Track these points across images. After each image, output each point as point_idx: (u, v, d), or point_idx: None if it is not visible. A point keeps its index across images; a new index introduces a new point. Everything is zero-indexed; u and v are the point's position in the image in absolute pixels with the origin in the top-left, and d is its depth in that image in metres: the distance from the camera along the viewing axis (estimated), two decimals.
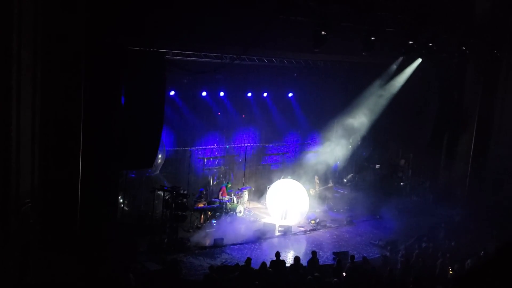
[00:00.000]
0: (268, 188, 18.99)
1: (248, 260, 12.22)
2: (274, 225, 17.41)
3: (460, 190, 20.08)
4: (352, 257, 13.16)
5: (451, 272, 12.88)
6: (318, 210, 19.43)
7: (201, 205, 17.33)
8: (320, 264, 13.25)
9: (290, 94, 21.28)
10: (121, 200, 15.80)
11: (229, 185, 18.83)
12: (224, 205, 17.76)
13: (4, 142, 8.57)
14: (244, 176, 20.29)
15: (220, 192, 18.31)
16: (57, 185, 10.11)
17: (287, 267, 12.62)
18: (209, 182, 19.10)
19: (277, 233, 17.07)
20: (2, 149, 8.56)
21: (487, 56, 18.75)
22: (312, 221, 18.37)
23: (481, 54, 18.78)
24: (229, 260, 14.34)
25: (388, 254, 15.02)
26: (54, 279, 9.72)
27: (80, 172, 10.52)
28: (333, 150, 20.86)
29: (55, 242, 10.03)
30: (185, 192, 16.31)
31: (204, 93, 18.70)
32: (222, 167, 20.03)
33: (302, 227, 18.00)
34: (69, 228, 10.37)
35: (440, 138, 20.58)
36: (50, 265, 9.83)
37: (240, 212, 18.15)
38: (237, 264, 12.62)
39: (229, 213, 17.73)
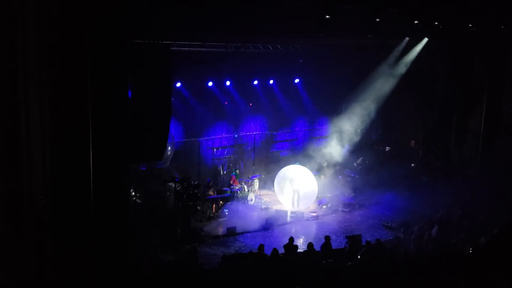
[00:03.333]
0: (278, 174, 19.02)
1: (261, 246, 12.29)
2: (286, 211, 17.47)
3: (471, 169, 19.96)
4: (367, 241, 13.17)
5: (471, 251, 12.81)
6: (330, 194, 19.43)
7: (210, 194, 17.43)
8: (334, 248, 13.29)
9: (297, 80, 21.18)
10: (133, 193, 15.90)
11: (237, 171, 18.89)
12: (235, 194, 17.83)
13: (14, 140, 8.64)
14: (253, 164, 20.31)
15: (231, 181, 18.39)
16: (69, 181, 10.17)
17: (301, 253, 12.66)
18: (219, 172, 19.16)
19: (289, 220, 17.12)
20: (13, 147, 8.63)
21: (494, 32, 18.49)
22: (324, 206, 18.42)
23: (488, 30, 18.52)
24: (242, 248, 14.44)
25: (401, 235, 15.00)
26: (69, 275, 9.83)
27: (91, 167, 10.58)
28: (342, 134, 20.79)
29: (69, 238, 10.12)
30: (196, 183, 16.40)
31: (210, 83, 18.68)
32: (231, 156, 20.06)
33: (314, 212, 18.03)
34: (82, 223, 10.45)
35: (450, 117, 20.44)
36: (65, 260, 9.93)
37: (251, 200, 18.20)
38: (251, 251, 12.68)
39: (241, 201, 17.79)
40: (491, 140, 19.87)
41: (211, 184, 17.94)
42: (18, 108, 8.59)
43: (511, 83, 19.77)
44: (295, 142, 22.27)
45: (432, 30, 16.73)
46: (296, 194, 18.23)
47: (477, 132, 20.05)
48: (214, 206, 17.34)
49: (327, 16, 13.80)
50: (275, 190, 18.87)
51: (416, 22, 15.87)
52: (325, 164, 20.48)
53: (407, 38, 18.93)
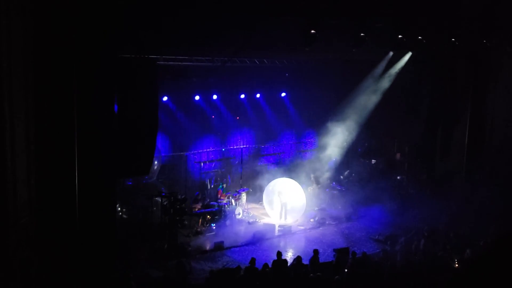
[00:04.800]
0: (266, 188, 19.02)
1: (253, 260, 12.26)
2: (274, 225, 17.44)
3: (456, 181, 20.15)
4: (354, 253, 13.19)
5: (457, 265, 12.87)
6: (317, 208, 19.46)
7: (197, 208, 17.36)
8: (321, 261, 13.28)
9: (283, 94, 21.31)
10: (119, 208, 15.75)
11: (224, 185, 18.84)
12: (222, 208, 17.76)
13: None
14: (241, 178, 20.30)
15: (218, 195, 18.35)
16: (54, 197, 10.07)
17: (289, 266, 12.63)
18: (207, 186, 19.10)
19: (277, 233, 17.09)
20: None
21: (477, 46, 18.82)
22: (311, 220, 18.42)
23: (471, 44, 18.84)
24: (230, 263, 14.35)
25: (388, 248, 15.05)
26: None
27: (77, 182, 10.48)
28: (328, 147, 20.91)
29: (55, 254, 9.99)
30: (183, 197, 16.32)
31: (197, 97, 18.71)
32: (219, 170, 20.03)
33: (302, 226, 18.02)
34: (68, 239, 10.33)
35: (435, 130, 20.67)
36: (51, 278, 9.79)
37: (239, 214, 18.15)
38: (239, 266, 12.62)
39: (228, 215, 17.72)
40: (476, 152, 20.11)
41: (199, 197, 17.87)
42: (2, 122, 8.51)
43: (494, 96, 20.08)
44: (282, 155, 22.32)
45: (416, 44, 16.97)
46: (283, 207, 18.23)
47: (462, 144, 20.28)
48: (201, 220, 17.25)
49: (312, 31, 13.94)
50: (264, 203, 18.85)
51: (400, 36, 16.10)
52: (312, 177, 20.53)
53: (391, 52, 19.19)
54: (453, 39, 17.77)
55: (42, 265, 9.70)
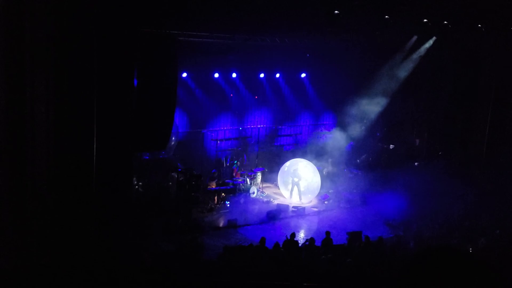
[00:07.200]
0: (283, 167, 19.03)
1: (263, 239, 12.33)
2: (288, 206, 17.49)
3: (475, 169, 19.89)
4: (367, 237, 13.18)
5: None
6: (332, 190, 19.42)
7: (212, 186, 17.48)
8: (334, 244, 13.30)
9: (303, 75, 21.13)
10: (135, 182, 15.94)
11: (238, 163, 18.88)
12: (237, 186, 17.86)
13: (19, 123, 8.67)
14: (257, 158, 20.32)
15: (234, 173, 18.44)
16: (72, 168, 10.20)
17: (301, 247, 12.69)
18: (223, 164, 19.19)
19: (290, 214, 17.14)
20: (17, 129, 8.66)
21: (502, 33, 18.37)
22: (325, 202, 18.42)
23: (497, 31, 18.40)
24: (242, 241, 14.47)
25: (402, 234, 15.01)
26: (70, 261, 9.88)
27: (95, 155, 10.60)
28: (346, 130, 20.76)
29: (71, 224, 10.17)
30: (199, 174, 16.44)
31: (216, 75, 18.66)
32: (235, 148, 20.08)
33: (316, 207, 18.04)
34: (84, 210, 10.49)
35: (455, 117, 20.36)
36: (66, 247, 9.98)
37: (253, 193, 18.24)
38: (251, 244, 12.72)
39: (243, 194, 17.82)
40: (497, 139, 19.80)
41: (215, 175, 17.98)
42: (23, 93, 8.62)
43: None
44: (299, 136, 22.24)
45: (441, 29, 16.63)
46: (297, 187, 18.26)
47: (483, 132, 19.98)
48: (215, 197, 17.38)
49: (336, 11, 13.74)
50: (279, 183, 18.90)
51: (425, 20, 15.78)
52: (328, 160, 20.45)
53: (415, 36, 18.83)
54: (479, 25, 17.37)
55: (58, 234, 9.89)
